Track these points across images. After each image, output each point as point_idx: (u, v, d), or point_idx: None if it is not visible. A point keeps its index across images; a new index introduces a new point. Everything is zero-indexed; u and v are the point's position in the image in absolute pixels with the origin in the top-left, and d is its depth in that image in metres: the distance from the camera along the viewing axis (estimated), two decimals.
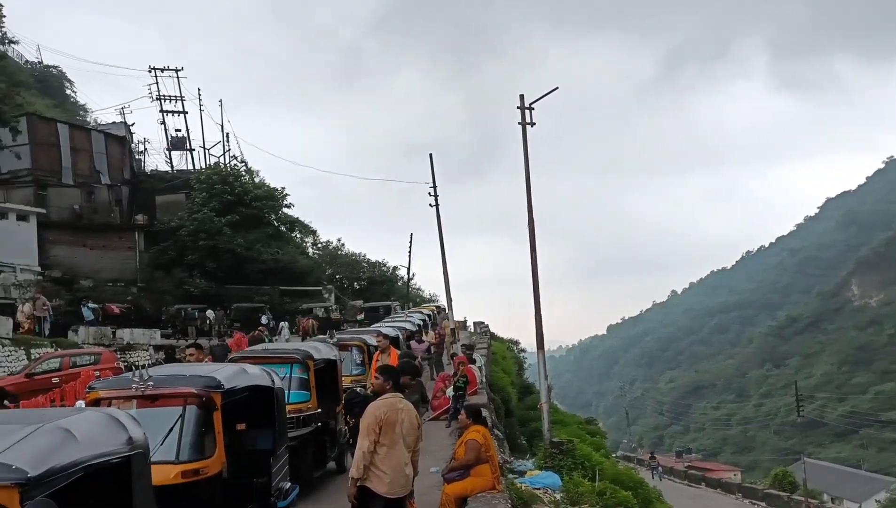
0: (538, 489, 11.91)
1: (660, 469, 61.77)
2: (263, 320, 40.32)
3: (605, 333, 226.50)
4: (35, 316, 28.57)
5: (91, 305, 34.23)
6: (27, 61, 65.62)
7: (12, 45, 48.48)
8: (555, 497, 11.64)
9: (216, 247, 46.02)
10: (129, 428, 5.06)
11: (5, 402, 19.85)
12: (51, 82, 69.16)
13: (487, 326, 42.61)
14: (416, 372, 7.71)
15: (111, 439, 4.72)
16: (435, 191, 35.32)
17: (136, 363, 29.44)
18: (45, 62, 70.21)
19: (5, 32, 44.65)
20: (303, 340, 31.36)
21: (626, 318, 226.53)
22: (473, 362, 18.39)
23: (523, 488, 11.38)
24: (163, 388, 7.42)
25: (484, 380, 20.47)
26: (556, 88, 20.61)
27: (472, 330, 40.98)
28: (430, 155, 36.66)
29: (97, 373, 20.02)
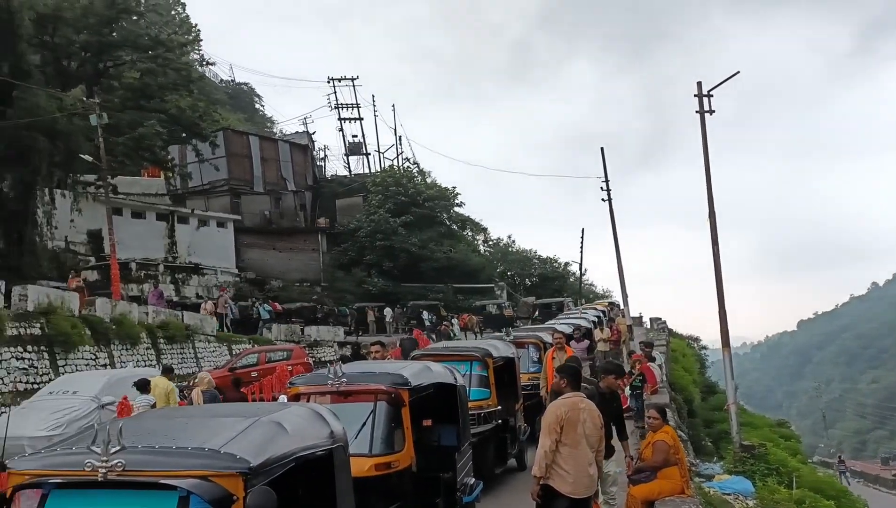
0: (729, 494, 11.36)
1: (847, 473, 56.87)
2: (425, 316, 41.58)
3: (796, 329, 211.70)
4: (217, 313, 30.77)
5: (266, 306, 36.75)
6: (221, 80, 71.40)
7: (209, 66, 52.92)
8: (747, 504, 11.07)
9: (392, 247, 47.78)
10: (331, 422, 5.35)
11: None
12: (242, 98, 74.87)
13: (665, 322, 41.11)
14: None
15: (316, 432, 5.01)
16: (607, 186, 34.55)
17: (323, 359, 31.17)
18: (237, 80, 76.10)
19: (203, 55, 48.84)
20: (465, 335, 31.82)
21: (820, 313, 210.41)
22: (653, 359, 17.80)
23: (712, 493, 10.90)
24: (355, 385, 7.78)
25: (664, 379, 19.80)
26: (737, 72, 19.49)
27: (649, 327, 39.73)
28: (602, 149, 35.85)
29: (290, 368, 21.41)
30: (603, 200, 34.87)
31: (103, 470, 3.58)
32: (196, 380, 16.43)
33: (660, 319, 41.87)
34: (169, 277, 37.94)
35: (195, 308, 31.04)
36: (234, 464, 3.80)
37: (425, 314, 41.89)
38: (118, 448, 3.64)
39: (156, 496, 3.64)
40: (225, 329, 30.59)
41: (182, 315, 27.23)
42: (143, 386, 14.60)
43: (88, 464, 3.59)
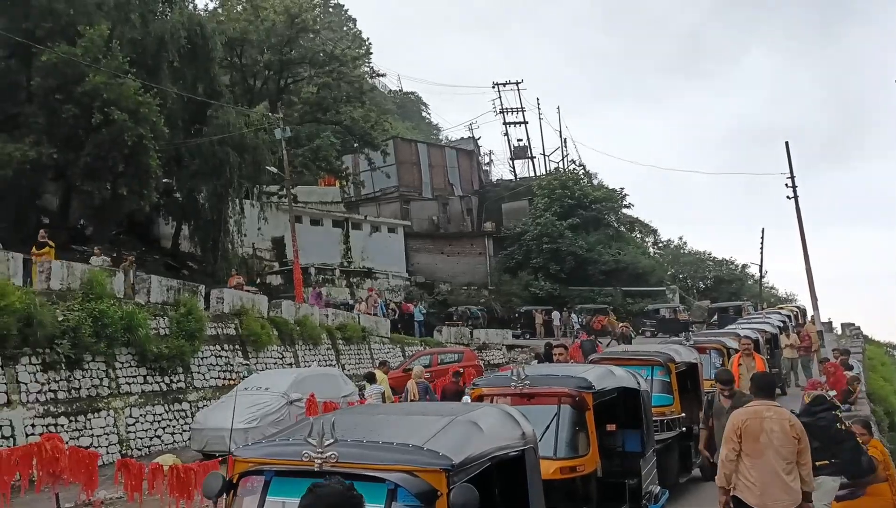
0: None
1: None
2: (574, 319, 41.06)
3: None
4: (367, 312, 31.56)
5: (422, 309, 37.55)
6: (389, 90, 74.07)
7: (379, 77, 55.08)
8: None
9: (558, 250, 47.41)
10: (522, 424, 5.34)
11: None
12: (409, 107, 77.32)
13: (859, 328, 37.96)
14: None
15: (509, 433, 5.01)
16: (793, 182, 32.44)
17: (492, 362, 31.39)
18: (404, 89, 78.65)
19: (372, 67, 50.86)
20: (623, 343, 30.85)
21: None
22: (850, 368, 16.46)
23: None
24: (538, 387, 7.73)
25: (863, 389, 18.23)
26: None
27: (840, 332, 36.81)
28: (787, 144, 33.90)
29: (461, 370, 21.76)
30: (788, 197, 32.78)
31: (319, 461, 3.77)
32: (412, 372, 18.12)
33: (853, 324, 38.71)
34: (344, 281, 39.80)
35: (351, 308, 32.18)
36: (437, 461, 3.89)
37: (574, 318, 41.51)
38: (332, 440, 3.81)
39: (366, 487, 3.77)
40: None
41: (359, 318, 28.41)
42: (370, 378, 16.81)
43: (305, 455, 3.79)
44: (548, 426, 7.56)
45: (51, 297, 16.00)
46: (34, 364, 15.10)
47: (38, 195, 23.95)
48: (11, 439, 13.93)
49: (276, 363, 22.02)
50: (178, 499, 10.60)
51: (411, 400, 15.94)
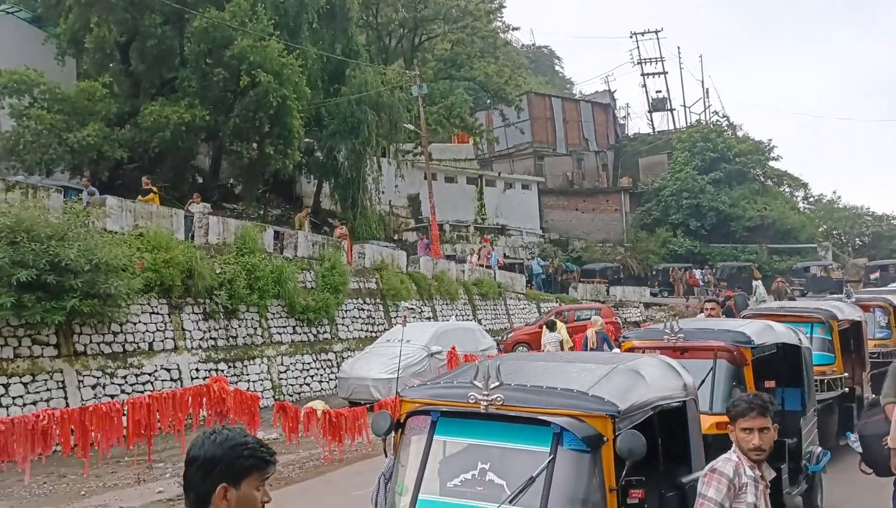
0: None
1: None
2: (698, 275, 39.28)
3: None
4: (480, 265, 31.18)
5: (541, 261, 36.95)
6: (522, 45, 73.00)
7: (512, 31, 54.31)
8: None
9: (699, 205, 45.58)
10: (683, 374, 5.17)
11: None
12: (542, 61, 75.98)
13: None
14: None
15: (671, 383, 4.87)
16: None
17: (629, 320, 30.79)
18: (537, 43, 77.30)
19: (504, 21, 50.18)
20: (777, 300, 29.21)
21: None
22: None
23: None
24: (693, 341, 7.46)
25: None
26: None
27: None
28: None
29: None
30: None
31: (485, 403, 3.79)
32: (590, 322, 18.29)
33: None
34: (478, 238, 40.00)
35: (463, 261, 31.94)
36: (603, 406, 3.83)
37: (698, 274, 39.88)
38: (497, 384, 3.82)
39: (532, 430, 3.77)
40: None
41: (494, 274, 28.53)
42: (551, 326, 17.50)
43: (472, 397, 3.81)
44: (703, 381, 7.29)
45: (209, 251, 17.01)
46: (196, 313, 16.17)
47: (192, 156, 25.33)
48: (179, 381, 15.04)
49: (414, 317, 22.54)
50: (331, 441, 11.13)
51: (590, 349, 16.06)
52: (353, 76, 28.57)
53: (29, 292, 11.94)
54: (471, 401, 3.81)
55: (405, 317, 15.59)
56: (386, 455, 4.12)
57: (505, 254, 40.34)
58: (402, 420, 4.08)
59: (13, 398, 12.20)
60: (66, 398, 12.95)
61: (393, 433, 4.09)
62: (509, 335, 24.28)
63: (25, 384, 12.46)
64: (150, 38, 22.89)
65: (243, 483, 2.14)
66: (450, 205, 38.91)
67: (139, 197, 18.18)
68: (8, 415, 11.42)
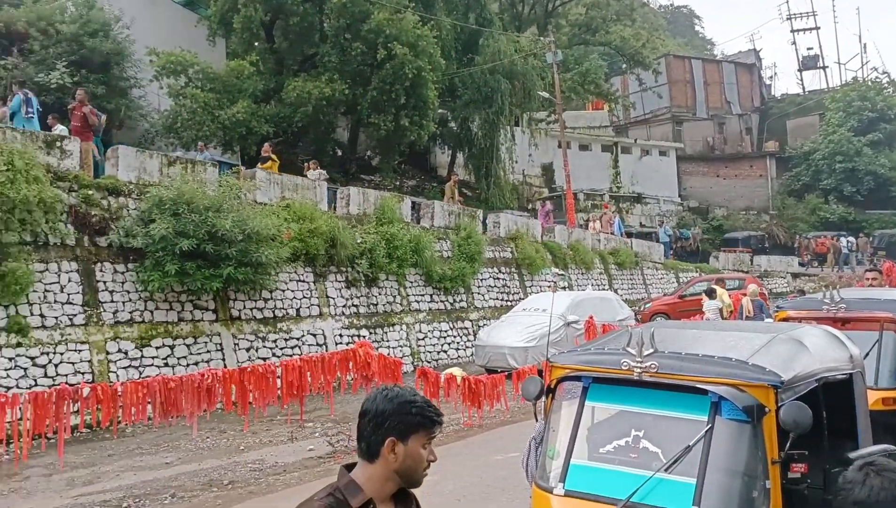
0: None
1: None
2: (843, 244, 36.35)
3: None
4: (601, 231, 30.06)
5: (668, 229, 35.41)
6: (660, 5, 70.23)
7: None
8: None
9: (854, 169, 42.53)
10: (849, 346, 4.87)
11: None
12: (680, 22, 72.76)
13: None
14: None
15: (836, 354, 4.61)
16: None
17: (775, 291, 29.27)
18: (675, 3, 74.03)
19: None
20: None
21: None
22: None
23: None
24: (856, 311, 7.01)
25: None
26: None
27: None
28: None
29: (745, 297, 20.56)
30: None
31: (638, 370, 3.72)
32: (746, 290, 18.19)
33: None
34: (613, 206, 39.15)
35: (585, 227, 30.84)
36: (764, 376, 3.67)
37: (843, 242, 36.79)
38: (651, 351, 3.74)
39: (688, 398, 3.67)
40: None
41: (631, 243, 27.89)
42: (710, 293, 17.22)
43: (625, 363, 3.75)
44: (867, 354, 6.84)
45: (350, 221, 17.58)
46: (339, 281, 16.81)
47: (332, 129, 26.17)
48: (324, 346, 15.74)
49: (549, 286, 22.42)
50: (470, 407, 11.32)
51: (746, 317, 15.59)
52: (487, 45, 28.49)
53: (190, 261, 12.81)
54: (624, 368, 3.76)
55: (555, 283, 15.34)
56: (536, 420, 4.14)
57: (641, 223, 39.30)
58: (552, 386, 4.07)
59: (178, 358, 13.18)
60: (223, 359, 13.86)
61: (543, 398, 4.10)
62: (647, 306, 23.73)
63: (188, 346, 13.42)
64: (293, 16, 23.72)
65: (410, 439, 2.22)
66: (584, 173, 38.25)
67: (259, 164, 18.76)
68: (174, 374, 12.38)
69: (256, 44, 25.40)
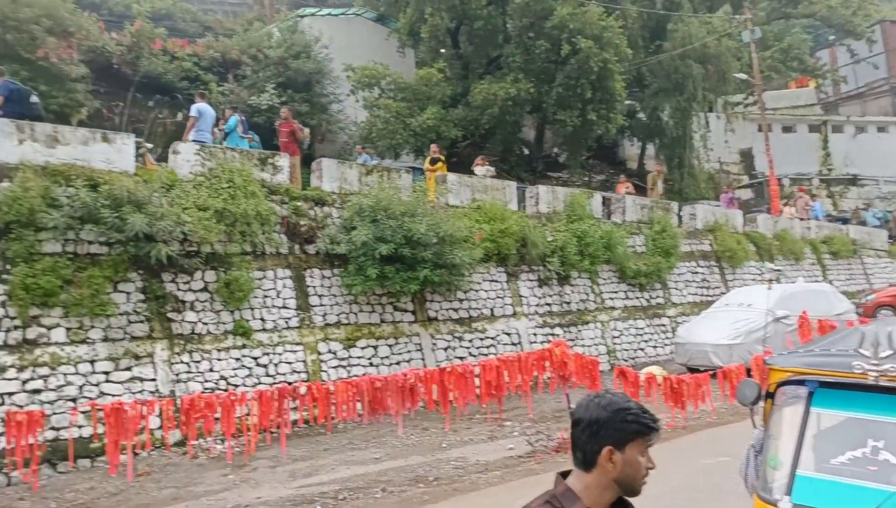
0: None
1: None
2: None
3: None
4: (797, 218, 27.20)
5: (876, 213, 31.50)
6: None
7: None
8: None
9: None
10: None
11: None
12: None
13: None
14: None
15: None
16: None
17: None
18: None
19: None
20: None
21: None
22: None
23: None
24: None
25: None
26: None
27: None
28: None
29: None
30: None
31: (874, 374, 3.36)
32: None
33: None
34: (824, 190, 36.14)
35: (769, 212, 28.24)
36: None
37: None
38: (889, 352, 3.37)
39: None
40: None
41: (848, 230, 25.61)
42: None
43: (858, 366, 3.41)
44: None
45: (540, 219, 17.55)
46: (531, 280, 16.84)
47: (518, 128, 26.31)
48: (519, 345, 15.83)
49: (753, 280, 21.09)
50: (673, 408, 10.89)
51: None
52: (676, 30, 27.34)
53: (389, 265, 13.39)
54: (856, 371, 3.41)
55: (772, 279, 14.33)
56: (754, 426, 3.87)
57: (857, 207, 35.94)
58: (771, 390, 3.79)
59: (381, 358, 13.82)
60: (423, 359, 14.35)
61: (761, 403, 3.82)
62: (869, 298, 21.62)
63: (390, 346, 14.03)
64: (477, 21, 24.12)
65: (628, 447, 2.15)
66: (788, 157, 35.54)
67: (428, 165, 19.04)
68: (378, 373, 12.99)
69: (443, 51, 26.09)
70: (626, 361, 17.42)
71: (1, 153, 10.77)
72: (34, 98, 12.81)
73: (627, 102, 27.50)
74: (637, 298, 18.74)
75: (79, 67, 18.90)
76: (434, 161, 18.79)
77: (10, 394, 9.82)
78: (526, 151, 28.09)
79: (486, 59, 26.20)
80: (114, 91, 21.43)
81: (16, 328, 10.16)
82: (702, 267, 20.59)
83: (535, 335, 16.37)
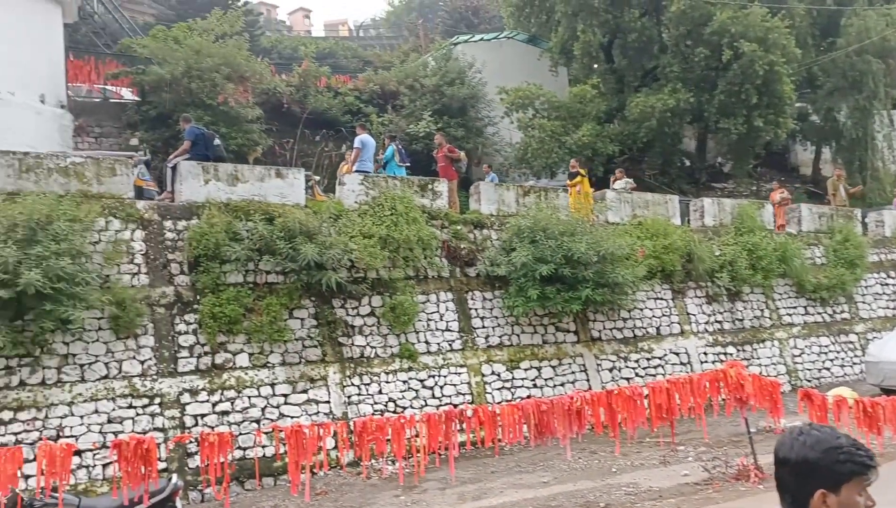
0: None
1: None
2: None
3: None
4: None
5: None
6: None
7: None
8: None
9: None
10: None
11: None
12: None
13: None
14: None
15: None
16: None
17: None
18: None
19: None
20: None
21: None
22: None
23: None
24: None
25: None
26: None
27: None
28: None
29: None
30: None
31: None
32: None
33: None
34: None
35: None
36: None
37: None
38: None
39: None
40: None
41: None
42: None
43: None
44: None
45: (706, 233, 16.81)
46: (699, 297, 16.13)
47: (678, 140, 25.40)
48: (688, 365, 15.18)
49: None
50: (867, 433, 9.99)
51: None
52: (850, 24, 25.46)
53: (549, 285, 13.29)
54: None
55: None
56: None
57: None
58: None
59: (545, 379, 13.69)
60: (587, 380, 14.07)
61: None
62: None
63: (554, 368, 13.88)
64: (631, 33, 23.64)
65: (843, 488, 1.97)
66: None
67: (567, 181, 18.35)
68: (542, 395, 12.87)
69: (596, 66, 25.75)
70: (808, 382, 16.25)
71: (191, 193, 11.76)
72: (217, 141, 13.87)
73: (798, 104, 25.89)
74: (819, 313, 17.45)
75: (254, 109, 20.34)
76: (573, 176, 18.35)
77: (202, 416, 10.61)
78: (687, 163, 27.07)
79: (642, 72, 25.58)
80: (284, 128, 22.85)
81: (205, 353, 10.98)
82: (893, 278, 18.88)
83: (705, 354, 15.63)
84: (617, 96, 24.95)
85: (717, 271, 16.14)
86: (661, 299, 15.66)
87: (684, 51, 23.02)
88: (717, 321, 16.15)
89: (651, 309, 15.45)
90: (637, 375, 14.57)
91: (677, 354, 15.34)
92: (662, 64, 23.65)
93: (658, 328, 15.36)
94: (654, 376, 14.47)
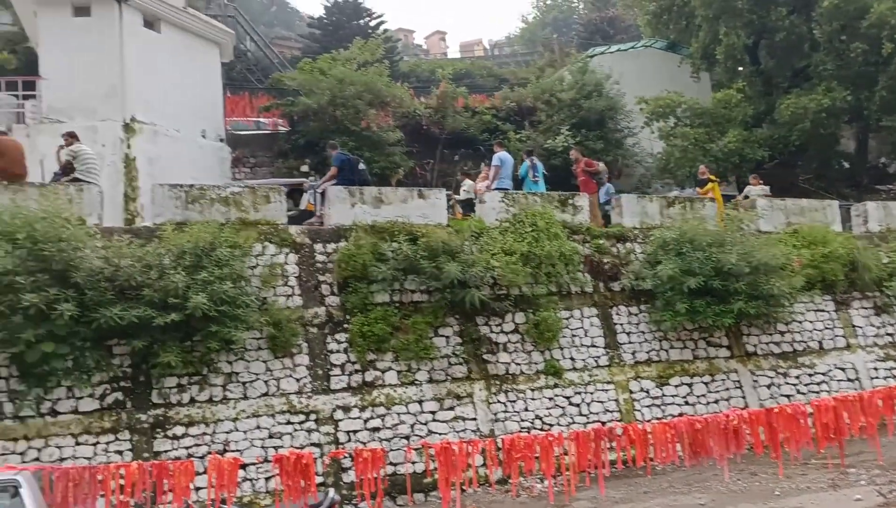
0: None
1: None
2: None
3: None
4: None
5: None
6: None
7: None
8: None
9: None
10: None
11: None
12: None
13: None
14: None
15: None
16: None
17: None
18: None
19: None
20: None
21: None
22: None
23: None
24: None
25: None
26: None
27: None
28: None
29: None
30: None
31: None
32: None
33: None
34: None
35: None
36: None
37: None
38: None
39: None
40: None
41: None
42: None
43: None
44: None
45: (871, 239, 15.68)
46: (866, 308, 15.05)
47: (835, 141, 23.83)
48: (856, 381, 14.15)
49: None
50: None
51: None
52: None
53: (699, 298, 12.80)
54: None
55: None
56: None
57: None
58: None
59: (697, 396, 13.16)
60: (743, 397, 13.40)
61: None
62: None
63: (706, 384, 13.32)
64: (778, 32, 22.51)
65: None
66: None
67: (697, 188, 17.46)
68: (695, 413, 12.39)
69: (740, 69, 24.67)
70: None
71: (339, 216, 12.28)
72: (362, 165, 14.41)
73: None
74: None
75: (395, 133, 20.97)
76: (702, 183, 17.50)
77: (355, 432, 10.98)
78: (846, 165, 25.33)
79: (791, 72, 24.23)
80: (424, 150, 23.41)
81: (356, 371, 11.37)
82: None
83: (875, 369, 14.51)
84: (764, 99, 23.77)
85: (886, 280, 15.00)
86: (823, 310, 14.71)
87: (839, 47, 21.64)
88: (888, 335, 14.96)
89: (811, 322, 14.54)
90: (798, 392, 13.71)
91: (843, 369, 14.32)
92: (814, 62, 22.33)
93: (820, 342, 14.41)
94: (817, 393, 13.58)
